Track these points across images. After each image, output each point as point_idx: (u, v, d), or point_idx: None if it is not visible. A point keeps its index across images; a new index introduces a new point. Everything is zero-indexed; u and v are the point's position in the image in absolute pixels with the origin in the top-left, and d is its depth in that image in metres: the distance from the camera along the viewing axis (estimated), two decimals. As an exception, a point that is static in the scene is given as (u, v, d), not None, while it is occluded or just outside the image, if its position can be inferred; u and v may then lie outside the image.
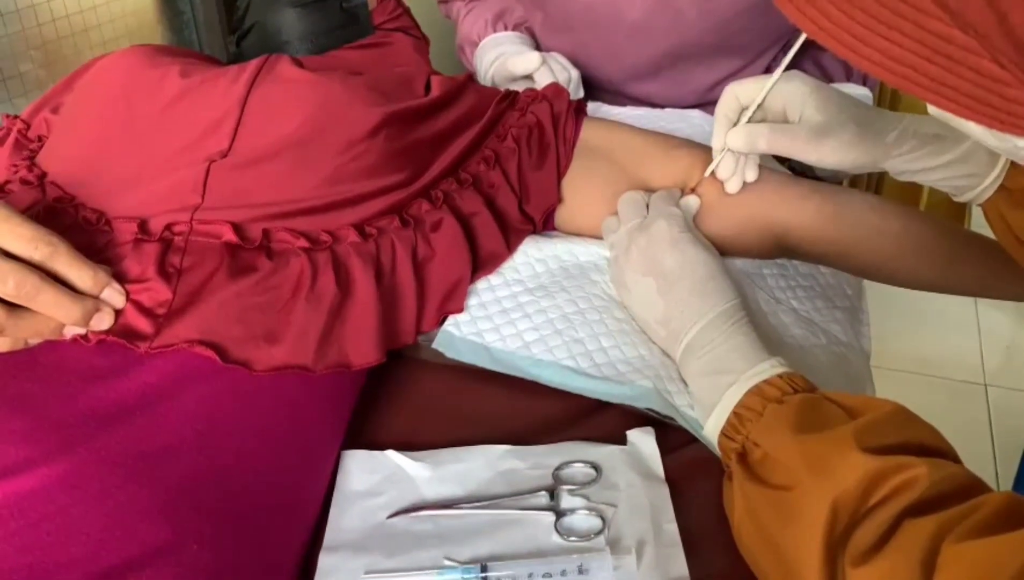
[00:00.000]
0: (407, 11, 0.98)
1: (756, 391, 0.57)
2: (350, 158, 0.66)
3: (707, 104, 1.12)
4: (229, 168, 0.64)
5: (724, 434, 0.58)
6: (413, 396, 0.70)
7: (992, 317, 2.08)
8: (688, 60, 1.06)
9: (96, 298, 0.54)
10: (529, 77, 1.00)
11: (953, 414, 1.85)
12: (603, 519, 0.57)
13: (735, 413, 0.57)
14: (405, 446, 0.64)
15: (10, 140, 0.73)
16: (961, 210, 1.87)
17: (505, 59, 1.03)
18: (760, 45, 1.07)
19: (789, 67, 1.15)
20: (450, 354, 0.69)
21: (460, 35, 1.18)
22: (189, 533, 0.49)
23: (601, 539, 0.56)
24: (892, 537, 0.45)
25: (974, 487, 0.48)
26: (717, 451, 0.59)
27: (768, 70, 1.13)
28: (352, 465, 0.63)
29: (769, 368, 0.58)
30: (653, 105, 1.12)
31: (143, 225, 0.61)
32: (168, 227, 0.61)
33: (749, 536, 0.53)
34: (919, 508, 0.46)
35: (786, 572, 0.49)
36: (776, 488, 0.51)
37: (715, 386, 0.59)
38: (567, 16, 1.06)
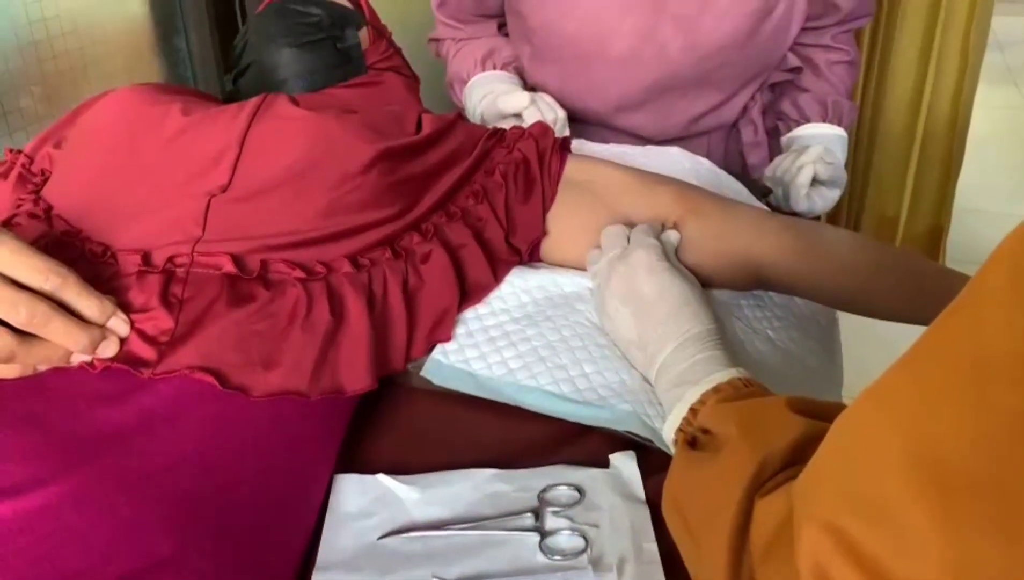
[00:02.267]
0: (398, 51, 1.02)
1: (712, 390, 0.60)
2: (345, 192, 0.69)
3: (690, 137, 1.17)
4: (229, 201, 0.66)
5: (679, 429, 0.60)
6: (403, 422, 0.72)
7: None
8: (672, 93, 1.10)
9: (102, 327, 0.57)
10: (518, 115, 1.03)
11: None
12: (586, 539, 0.59)
13: (690, 409, 0.60)
14: (395, 470, 0.66)
15: (13, 174, 0.76)
16: (936, 246, 1.92)
17: (495, 97, 1.06)
18: (739, 80, 1.12)
19: (770, 107, 1.20)
20: (438, 381, 0.71)
21: (449, 72, 1.22)
22: (190, 546, 0.51)
23: (584, 558, 0.58)
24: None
25: None
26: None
27: (746, 109, 1.18)
28: (344, 488, 0.65)
29: (727, 373, 0.61)
30: (638, 136, 1.15)
31: (146, 257, 0.63)
32: (170, 259, 0.64)
33: (671, 497, 0.54)
34: None
35: (703, 522, 0.50)
36: (710, 452, 0.53)
37: (678, 394, 0.62)
38: (554, 48, 1.10)
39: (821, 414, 0.52)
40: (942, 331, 0.33)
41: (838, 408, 0.54)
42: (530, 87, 1.21)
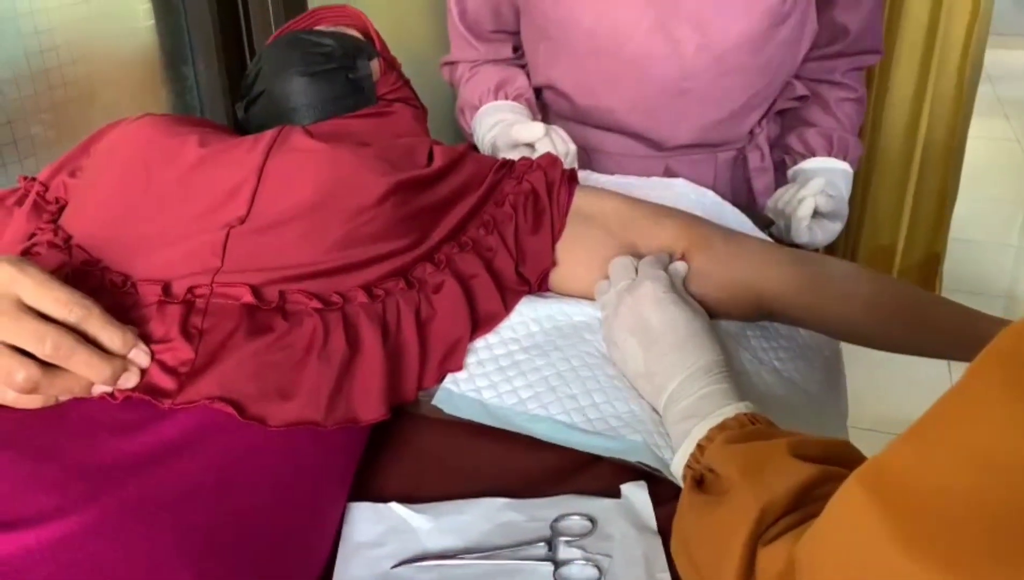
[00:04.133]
0: (407, 83, 1.04)
1: (719, 426, 0.61)
2: (360, 224, 0.70)
3: (700, 146, 1.18)
4: (247, 233, 0.67)
5: (687, 466, 0.61)
6: (414, 451, 0.73)
7: (964, 379, 2.12)
8: (685, 96, 1.11)
9: (124, 358, 0.57)
10: (530, 145, 1.04)
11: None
12: (599, 569, 0.60)
13: (697, 446, 0.61)
14: (407, 499, 0.67)
15: (28, 202, 0.76)
16: (933, 275, 1.94)
17: (508, 125, 1.08)
18: (750, 90, 1.13)
19: (777, 142, 1.22)
20: (449, 410, 0.72)
21: (461, 99, 1.23)
22: (209, 577, 0.51)
23: (598, 588, 0.59)
24: (798, 527, 0.47)
25: None
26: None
27: (753, 134, 1.20)
28: (357, 516, 0.65)
29: (734, 408, 0.62)
30: (650, 140, 1.17)
31: (166, 288, 0.64)
32: (190, 290, 0.64)
33: (680, 539, 0.56)
34: None
35: (709, 567, 0.51)
36: (715, 494, 0.54)
37: (686, 428, 0.63)
38: (569, 43, 1.12)
39: (822, 456, 0.53)
40: (939, 415, 0.35)
41: (840, 446, 0.55)
42: (542, 95, 1.22)
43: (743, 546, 0.48)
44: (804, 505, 0.49)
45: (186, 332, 0.61)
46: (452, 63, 1.28)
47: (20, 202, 0.78)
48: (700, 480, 0.58)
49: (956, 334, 0.78)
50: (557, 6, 1.10)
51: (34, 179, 0.80)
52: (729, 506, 0.51)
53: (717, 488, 0.55)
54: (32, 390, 0.53)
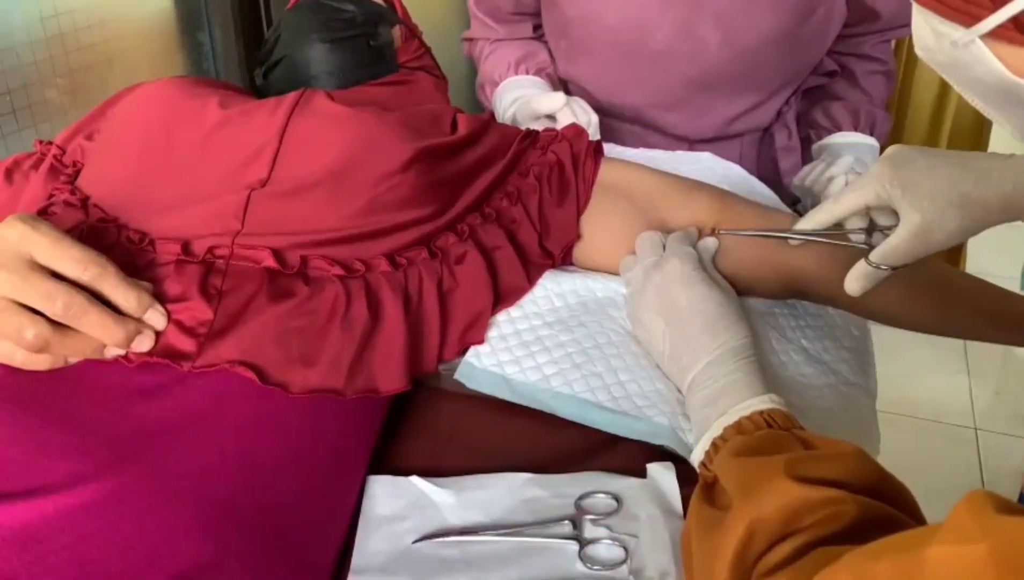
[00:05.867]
0: (428, 51, 1.02)
1: (735, 425, 0.59)
2: (383, 191, 0.68)
3: (724, 139, 1.15)
4: (268, 196, 0.66)
5: (702, 464, 0.59)
6: (435, 425, 0.72)
7: (981, 362, 2.11)
8: (709, 91, 1.09)
9: (138, 321, 0.56)
10: (551, 117, 1.02)
11: (945, 457, 1.88)
12: (626, 549, 0.59)
13: (713, 444, 0.59)
14: (427, 473, 0.65)
15: (45, 165, 0.75)
16: (957, 254, 1.92)
17: (529, 99, 1.06)
18: (776, 82, 1.11)
19: (803, 117, 1.18)
20: (471, 385, 0.70)
21: (482, 74, 1.21)
22: (229, 550, 0.50)
23: (624, 569, 0.57)
24: (799, 559, 0.46)
25: (904, 527, 0.48)
26: None
27: (780, 113, 1.17)
28: (377, 490, 0.64)
29: (757, 403, 0.60)
30: (673, 135, 1.15)
31: (185, 246, 0.63)
32: (210, 250, 0.63)
33: (687, 550, 0.55)
34: (837, 539, 0.46)
35: None
36: (719, 510, 0.53)
37: (707, 418, 0.61)
38: (593, 40, 1.09)
39: (828, 476, 0.51)
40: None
41: (850, 463, 0.52)
42: (564, 85, 1.20)
43: (729, 569, 0.48)
44: (797, 531, 0.48)
45: (205, 291, 0.60)
46: (471, 39, 1.26)
47: (36, 166, 0.76)
48: (712, 484, 0.56)
49: (992, 315, 0.76)
50: (577, 3, 1.08)
51: (51, 143, 0.78)
52: (725, 527, 0.50)
53: (722, 502, 0.54)
54: (42, 349, 0.52)
